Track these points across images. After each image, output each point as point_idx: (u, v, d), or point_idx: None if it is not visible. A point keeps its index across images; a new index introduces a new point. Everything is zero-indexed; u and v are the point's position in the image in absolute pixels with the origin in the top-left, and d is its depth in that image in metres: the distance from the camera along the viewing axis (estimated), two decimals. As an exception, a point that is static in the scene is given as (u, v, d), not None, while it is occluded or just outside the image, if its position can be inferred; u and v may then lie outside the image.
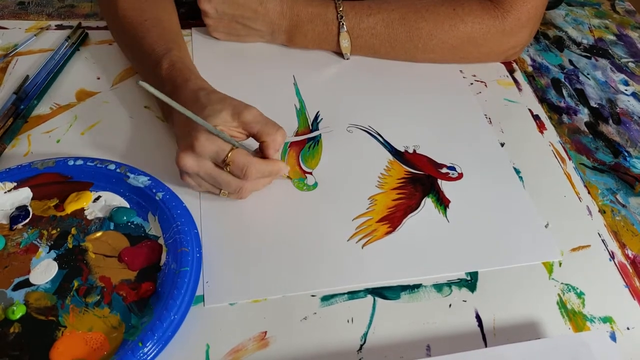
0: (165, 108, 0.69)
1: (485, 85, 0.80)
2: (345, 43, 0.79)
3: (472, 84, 0.80)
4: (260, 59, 0.81)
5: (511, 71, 0.83)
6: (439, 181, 0.67)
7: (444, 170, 0.68)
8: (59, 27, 0.84)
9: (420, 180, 0.67)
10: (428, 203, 0.65)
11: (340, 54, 0.81)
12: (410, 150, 0.70)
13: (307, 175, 0.67)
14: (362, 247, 0.60)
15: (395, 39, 0.78)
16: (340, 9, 0.77)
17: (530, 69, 0.84)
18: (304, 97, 0.76)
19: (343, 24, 0.77)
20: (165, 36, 0.72)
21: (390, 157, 0.69)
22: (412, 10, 0.77)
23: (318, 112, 0.74)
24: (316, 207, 0.64)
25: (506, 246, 0.61)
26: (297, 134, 0.71)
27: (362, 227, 0.62)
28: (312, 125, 0.73)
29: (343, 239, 0.61)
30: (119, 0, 0.74)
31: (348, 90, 0.78)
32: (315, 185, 0.66)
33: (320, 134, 0.71)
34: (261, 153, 0.62)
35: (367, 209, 0.64)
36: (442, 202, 0.65)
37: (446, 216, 0.64)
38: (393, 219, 0.63)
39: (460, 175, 0.68)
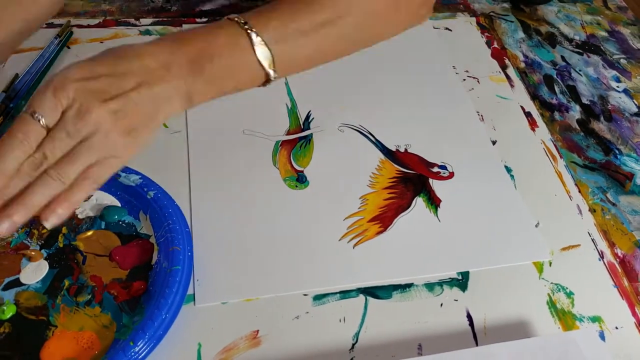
0: None
1: (478, 82, 0.80)
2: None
3: (464, 79, 0.80)
4: None
5: (503, 67, 0.83)
6: (430, 180, 0.67)
7: (435, 169, 0.68)
8: (50, 25, 0.84)
9: (412, 180, 0.67)
10: (419, 202, 0.65)
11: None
12: (402, 150, 0.70)
13: (298, 173, 0.67)
14: (354, 247, 0.60)
15: None
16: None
17: (522, 65, 0.84)
18: (296, 96, 0.76)
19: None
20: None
21: (382, 156, 0.69)
22: None
23: (309, 111, 0.74)
24: (308, 206, 0.64)
25: (497, 246, 0.61)
26: (288, 133, 0.71)
27: (353, 226, 0.62)
28: (303, 124, 0.72)
29: (334, 238, 0.61)
30: None
31: (339, 90, 0.77)
32: (307, 184, 0.66)
33: (311, 133, 0.71)
34: None
35: (359, 208, 0.64)
36: (433, 202, 0.65)
37: (437, 216, 0.64)
38: (384, 219, 0.63)
39: (452, 175, 0.68)
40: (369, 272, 0.59)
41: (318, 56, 0.61)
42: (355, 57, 0.78)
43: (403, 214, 0.64)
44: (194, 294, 0.56)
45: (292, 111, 0.74)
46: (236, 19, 0.55)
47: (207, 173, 0.66)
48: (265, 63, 0.55)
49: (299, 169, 0.67)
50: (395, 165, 0.68)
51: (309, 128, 0.72)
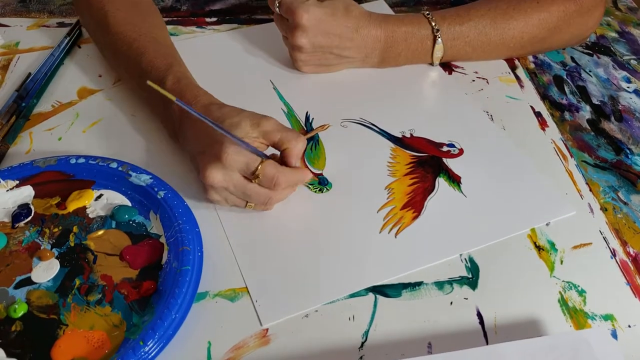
0: (171, 125, 0.66)
1: (487, 82, 0.80)
2: (438, 54, 0.78)
3: (474, 80, 0.80)
4: (232, 69, 0.80)
5: (513, 68, 0.82)
6: (444, 159, 0.68)
7: (445, 148, 0.70)
8: (60, 25, 0.84)
9: (427, 162, 0.68)
10: (442, 182, 0.66)
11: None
12: (408, 135, 0.71)
13: (319, 177, 0.67)
14: (396, 236, 0.61)
15: (487, 43, 0.78)
16: (434, 23, 0.76)
17: (532, 65, 0.84)
18: (288, 99, 0.76)
19: (438, 37, 0.77)
20: (163, 51, 0.70)
21: (391, 144, 0.70)
22: (500, 12, 0.77)
23: (307, 112, 0.74)
24: (338, 207, 0.64)
25: (525, 209, 0.64)
26: None
27: (388, 216, 0.63)
28: (305, 126, 0.73)
29: (375, 232, 0.61)
30: (109, 16, 0.73)
31: (329, 86, 0.78)
32: (330, 185, 0.66)
33: (317, 134, 0.71)
34: (282, 161, 0.61)
35: (387, 198, 0.65)
36: (454, 179, 0.66)
37: (462, 192, 0.65)
38: (415, 204, 0.64)
39: (461, 151, 0.69)
40: (421, 256, 0.59)
41: (478, 56, 0.82)
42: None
43: (431, 195, 0.65)
44: (204, 293, 0.56)
45: (291, 114, 0.74)
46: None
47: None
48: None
49: (317, 172, 0.67)
50: (407, 151, 0.69)
51: (312, 128, 0.72)
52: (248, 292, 0.56)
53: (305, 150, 0.68)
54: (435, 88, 0.78)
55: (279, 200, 0.61)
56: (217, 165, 0.57)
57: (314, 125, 0.72)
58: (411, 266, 0.58)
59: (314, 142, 0.71)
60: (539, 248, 0.61)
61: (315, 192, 0.65)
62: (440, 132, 0.72)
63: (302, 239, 0.61)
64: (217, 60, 0.81)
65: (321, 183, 0.66)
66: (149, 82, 0.54)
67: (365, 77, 0.79)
